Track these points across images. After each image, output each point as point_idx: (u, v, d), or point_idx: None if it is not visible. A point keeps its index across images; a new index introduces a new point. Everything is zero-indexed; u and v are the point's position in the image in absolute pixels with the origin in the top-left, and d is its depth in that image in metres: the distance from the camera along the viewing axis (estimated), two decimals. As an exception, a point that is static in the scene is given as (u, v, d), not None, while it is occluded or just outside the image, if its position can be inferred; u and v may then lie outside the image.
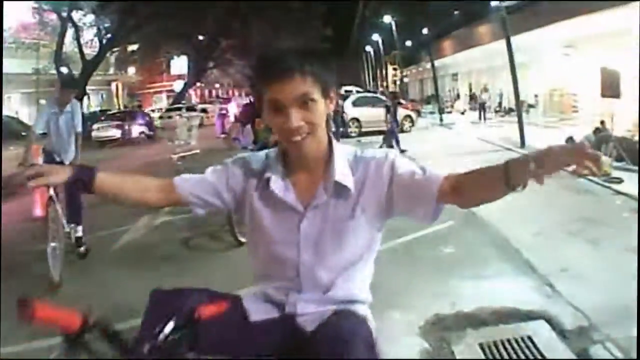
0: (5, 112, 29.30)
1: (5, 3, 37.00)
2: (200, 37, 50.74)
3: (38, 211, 11.83)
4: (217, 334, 2.17)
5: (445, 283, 6.70)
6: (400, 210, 2.40)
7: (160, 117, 44.03)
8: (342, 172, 2.37)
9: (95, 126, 35.32)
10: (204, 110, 49.47)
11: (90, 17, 38.05)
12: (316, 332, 2.26)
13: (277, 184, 2.40)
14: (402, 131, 28.51)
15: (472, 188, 2.28)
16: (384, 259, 7.29)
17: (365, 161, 2.41)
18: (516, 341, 5.08)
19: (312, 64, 2.25)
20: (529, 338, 5.12)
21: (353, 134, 27.74)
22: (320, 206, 2.38)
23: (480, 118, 34.80)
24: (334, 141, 2.44)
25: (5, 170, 15.15)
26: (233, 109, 35.63)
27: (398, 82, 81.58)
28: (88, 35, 39.85)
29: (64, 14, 33.93)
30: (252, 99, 8.76)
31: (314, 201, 2.38)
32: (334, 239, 2.38)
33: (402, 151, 18.12)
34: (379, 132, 24.49)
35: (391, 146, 19.19)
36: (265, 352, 2.36)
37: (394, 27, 59.25)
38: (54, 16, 35.81)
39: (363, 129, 28.45)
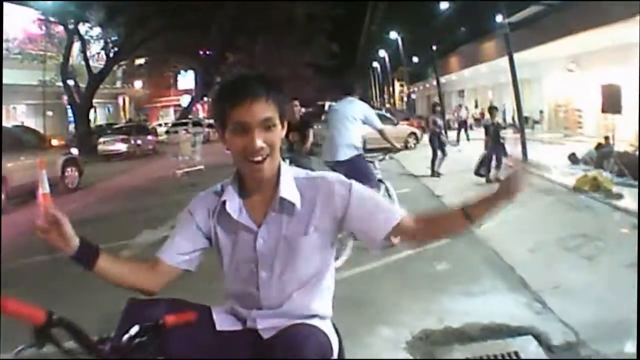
0: (11, 123, 29.62)
1: (10, 14, 37.42)
2: (208, 52, 50.94)
3: (42, 222, 11.93)
4: (186, 340, 2.35)
5: (435, 300, 6.69)
6: (352, 230, 2.63)
7: (167, 132, 44.18)
8: (287, 190, 2.52)
9: (101, 140, 35.51)
10: (210, 126, 49.03)
11: (97, 30, 38.25)
12: (272, 341, 2.44)
13: (232, 207, 2.56)
14: (407, 148, 28.41)
15: (433, 228, 2.62)
16: (376, 275, 7.35)
17: (315, 181, 2.59)
18: (502, 357, 5.10)
19: (274, 91, 2.45)
20: (516, 354, 5.14)
21: None
22: (271, 223, 2.53)
23: (458, 137, 33.16)
24: (282, 163, 2.58)
25: (20, 179, 15.57)
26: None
27: (405, 99, 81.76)
28: (95, 48, 40.04)
29: (71, 26, 34.06)
30: None
31: (265, 219, 2.53)
32: (289, 256, 2.54)
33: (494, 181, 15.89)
34: (382, 150, 24.13)
35: (484, 175, 16.49)
36: (229, 357, 2.50)
37: (400, 43, 59.50)
38: (60, 28, 36.00)
39: (367, 146, 28.12)
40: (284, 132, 2.54)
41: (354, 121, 9.42)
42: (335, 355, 2.57)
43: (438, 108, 20.95)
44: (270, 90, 2.43)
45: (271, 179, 2.53)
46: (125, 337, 2.06)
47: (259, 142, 2.38)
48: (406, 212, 2.60)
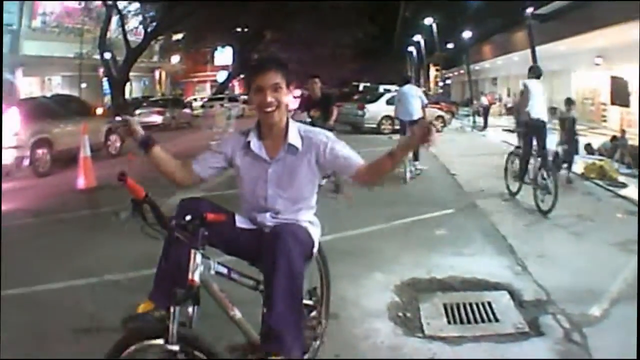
0: (46, 94, 30.51)
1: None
2: (245, 29, 50.87)
3: (81, 182, 13.09)
4: (217, 231, 3.47)
5: (428, 257, 7.59)
6: (331, 166, 4.04)
7: (203, 106, 44.78)
8: (294, 138, 3.83)
9: (137, 111, 36.10)
10: (246, 102, 49.06)
11: (136, 5, 38.65)
12: (271, 229, 3.75)
13: (254, 145, 3.87)
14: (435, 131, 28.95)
15: (376, 169, 3.82)
16: (381, 234, 8.28)
17: (309, 133, 3.90)
18: (476, 305, 5.92)
19: (281, 66, 3.77)
20: (489, 304, 5.94)
21: (386, 131, 27.75)
22: (281, 160, 3.85)
23: (485, 122, 34.55)
24: (290, 119, 3.90)
25: (65, 144, 17.13)
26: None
27: (440, 84, 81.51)
28: (133, 22, 40.24)
29: (109, 2, 34.49)
30: (304, 93, 14.18)
31: (277, 156, 3.85)
32: (289, 180, 3.87)
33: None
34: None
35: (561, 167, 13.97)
36: (244, 248, 3.86)
37: (434, 29, 59.60)
38: (98, 3, 36.43)
39: (396, 127, 28.49)
40: (290, 94, 3.83)
41: (417, 98, 15.50)
42: (315, 249, 3.97)
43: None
44: (278, 65, 3.76)
45: (281, 128, 3.83)
46: (183, 219, 3.31)
47: (270, 98, 3.67)
48: (363, 161, 3.86)
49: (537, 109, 11.16)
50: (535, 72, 11.87)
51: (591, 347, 4.98)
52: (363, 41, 53.70)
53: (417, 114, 15.13)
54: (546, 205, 10.14)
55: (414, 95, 15.57)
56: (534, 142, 11.27)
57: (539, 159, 11.06)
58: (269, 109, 3.71)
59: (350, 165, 3.83)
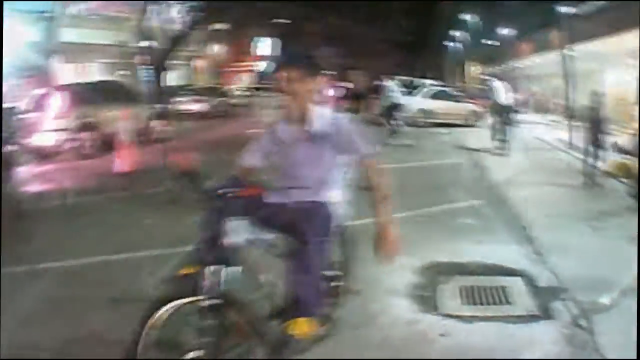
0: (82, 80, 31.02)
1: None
2: (286, 21, 50.89)
3: (119, 165, 13.58)
4: (253, 205, 4.01)
5: (451, 243, 7.99)
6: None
7: (242, 96, 45.08)
8: (318, 123, 4.22)
9: (174, 99, 36.30)
10: (283, 92, 48.81)
11: (175, -4, 38.82)
12: (294, 205, 4.18)
13: (283, 130, 4.37)
14: (467, 125, 29.33)
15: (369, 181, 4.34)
16: (411, 220, 8.71)
17: (335, 120, 4.27)
18: (490, 289, 6.28)
19: (306, 60, 4.30)
20: (502, 288, 6.30)
21: (420, 124, 27.53)
22: (307, 142, 4.23)
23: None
24: (315, 107, 4.27)
25: (110, 128, 17.02)
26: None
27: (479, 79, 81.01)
28: (172, 12, 40.42)
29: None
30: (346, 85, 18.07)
31: (303, 139, 4.24)
32: (314, 161, 4.24)
33: None
34: (446, 125, 27.70)
35: None
36: (274, 221, 4.17)
37: (473, 26, 59.42)
38: (137, -6, 36.74)
39: (430, 120, 28.94)
40: (317, 86, 4.28)
41: (397, 90, 24.07)
42: (338, 226, 4.37)
43: (596, 97, 14.03)
44: (297, 60, 4.28)
45: (303, 115, 4.23)
46: (220, 189, 3.75)
47: (286, 89, 4.18)
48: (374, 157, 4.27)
49: (500, 99, 20.44)
50: (496, 76, 23.62)
51: (597, 332, 5.22)
52: (399, 36, 53.70)
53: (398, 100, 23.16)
54: (502, 151, 18.48)
55: (396, 87, 24.07)
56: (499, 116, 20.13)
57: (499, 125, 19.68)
58: (287, 97, 4.18)
59: (358, 152, 4.26)
